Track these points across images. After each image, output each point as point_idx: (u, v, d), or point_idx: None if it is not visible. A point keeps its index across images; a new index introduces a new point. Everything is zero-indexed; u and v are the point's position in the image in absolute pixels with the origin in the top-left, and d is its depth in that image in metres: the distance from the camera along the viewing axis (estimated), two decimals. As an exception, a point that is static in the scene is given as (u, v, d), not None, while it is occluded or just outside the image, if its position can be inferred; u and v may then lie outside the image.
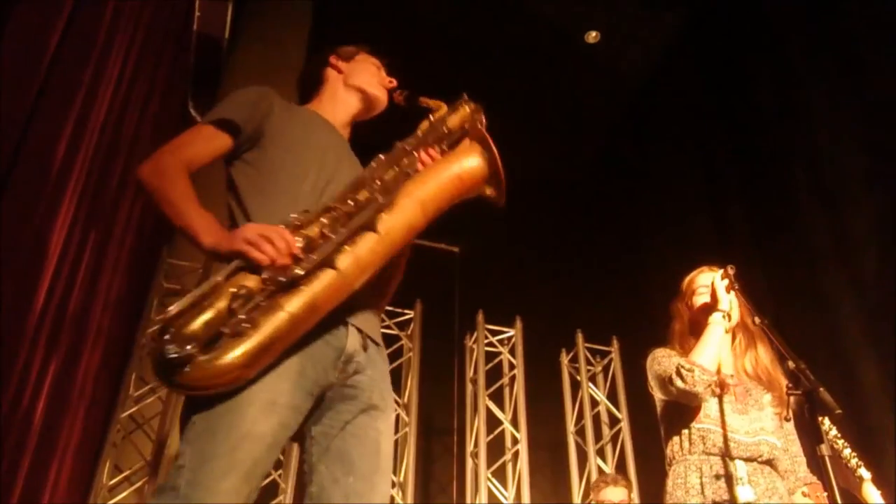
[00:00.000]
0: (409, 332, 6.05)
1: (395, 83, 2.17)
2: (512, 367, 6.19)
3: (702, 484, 2.43)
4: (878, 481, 2.92)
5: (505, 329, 6.34)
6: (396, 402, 5.67)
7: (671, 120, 6.69)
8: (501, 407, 6.05)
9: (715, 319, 2.56)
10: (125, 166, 3.54)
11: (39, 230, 2.58)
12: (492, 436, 5.77)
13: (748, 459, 2.47)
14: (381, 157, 1.81)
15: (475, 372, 6.05)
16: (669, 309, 2.85)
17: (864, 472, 2.90)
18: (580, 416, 6.12)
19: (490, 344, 6.25)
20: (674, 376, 2.49)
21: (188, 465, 1.49)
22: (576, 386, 6.28)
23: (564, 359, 6.40)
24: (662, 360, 2.63)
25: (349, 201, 1.68)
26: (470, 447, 5.74)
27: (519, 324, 6.25)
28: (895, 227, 4.04)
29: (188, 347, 1.45)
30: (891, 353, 3.87)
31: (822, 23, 4.91)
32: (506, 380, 6.21)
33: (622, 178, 7.49)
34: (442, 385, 6.09)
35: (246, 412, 1.52)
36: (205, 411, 1.54)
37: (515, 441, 5.80)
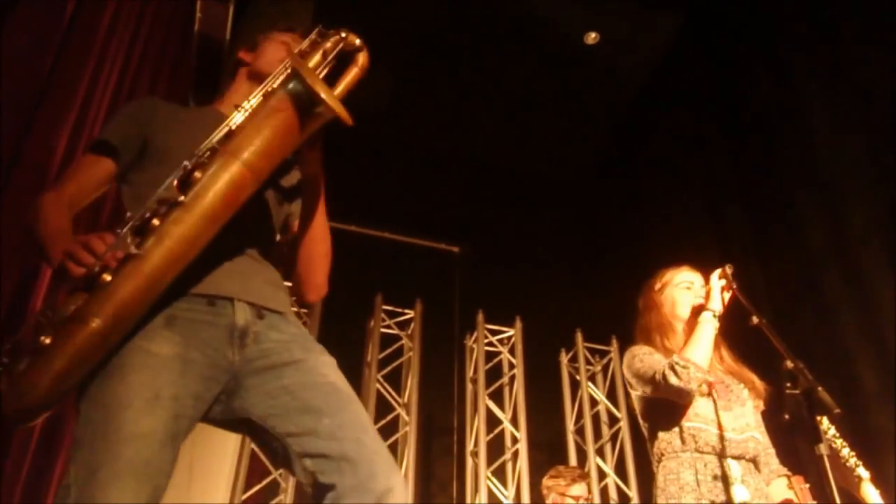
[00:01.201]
0: (409, 331, 6.07)
1: (287, 38, 2.01)
2: (512, 366, 6.21)
3: (697, 481, 2.44)
4: (876, 480, 2.93)
5: (505, 329, 6.35)
6: (396, 402, 5.70)
7: (670, 121, 6.69)
8: (501, 406, 6.06)
9: (706, 318, 2.57)
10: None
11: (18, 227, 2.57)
12: (492, 435, 5.78)
13: (738, 457, 2.49)
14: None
15: (475, 371, 6.07)
16: (639, 302, 2.87)
17: (863, 472, 2.91)
18: (580, 416, 6.13)
19: (490, 343, 6.27)
20: (667, 371, 2.49)
21: (74, 483, 1.41)
22: (575, 385, 6.30)
23: (564, 358, 6.42)
24: (645, 358, 2.64)
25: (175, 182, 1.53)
26: (470, 446, 5.75)
27: (519, 323, 6.27)
28: (893, 226, 4.05)
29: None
30: (889, 352, 3.88)
31: (821, 24, 4.92)
32: (505, 379, 6.23)
33: (621, 179, 7.50)
34: (442, 384, 6.11)
35: (123, 415, 1.44)
36: (84, 427, 1.47)
37: (515, 440, 5.81)
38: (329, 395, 1.60)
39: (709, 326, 2.57)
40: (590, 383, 6.35)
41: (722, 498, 2.39)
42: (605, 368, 6.51)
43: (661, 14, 6.36)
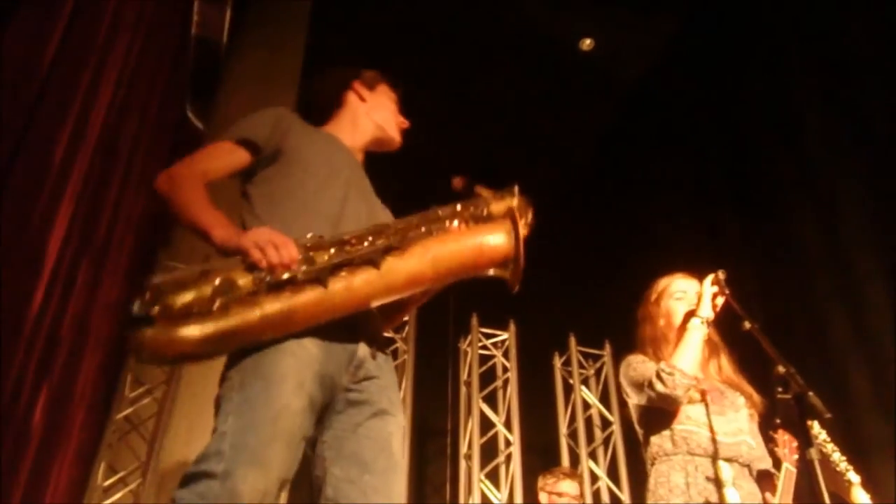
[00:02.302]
0: (403, 334, 6.07)
1: (407, 125, 2.25)
2: (505, 369, 6.22)
3: (687, 484, 2.46)
4: (867, 485, 2.94)
5: (499, 332, 6.36)
6: (391, 405, 5.70)
7: (664, 126, 6.72)
8: (495, 409, 6.07)
9: (694, 325, 2.59)
10: (124, 170, 3.56)
11: (37, 232, 2.59)
12: (485, 438, 5.79)
13: (729, 460, 2.50)
14: (414, 216, 1.84)
15: (469, 374, 6.07)
16: (637, 313, 2.88)
17: (853, 476, 2.92)
18: (572, 419, 6.14)
19: (484, 347, 6.28)
20: (654, 379, 2.51)
21: (231, 431, 1.52)
22: (568, 389, 6.31)
23: (557, 362, 6.43)
24: (638, 366, 2.66)
25: (365, 241, 1.70)
26: (463, 449, 5.76)
27: (512, 327, 6.28)
28: (886, 232, 4.07)
29: (152, 310, 1.50)
30: (881, 356, 3.91)
31: (815, 29, 4.95)
32: (499, 382, 6.23)
33: (615, 184, 7.52)
34: (436, 387, 6.11)
35: (282, 388, 1.57)
36: (237, 390, 1.58)
37: (508, 443, 5.82)
38: (381, 454, 1.72)
39: (697, 333, 2.58)
40: (583, 387, 6.36)
41: (713, 499, 2.41)
42: (598, 372, 6.52)
43: (655, 20, 6.39)
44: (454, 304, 6.35)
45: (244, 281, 1.58)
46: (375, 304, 1.72)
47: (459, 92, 6.86)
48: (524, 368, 6.12)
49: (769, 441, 2.67)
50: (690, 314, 2.65)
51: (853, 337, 4.20)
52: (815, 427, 2.76)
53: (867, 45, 4.44)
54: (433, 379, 6.08)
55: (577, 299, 6.97)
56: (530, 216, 2.06)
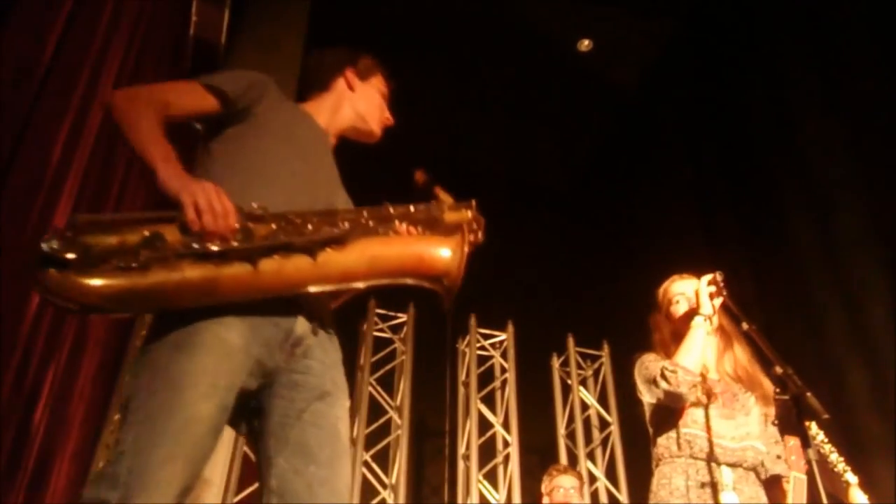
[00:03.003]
0: (401, 335, 6.07)
1: (391, 122, 2.21)
2: (504, 370, 6.22)
3: (687, 487, 2.46)
4: (864, 486, 2.95)
5: (497, 333, 6.37)
6: (389, 405, 5.71)
7: (662, 128, 6.72)
8: (493, 410, 6.07)
9: (697, 323, 2.59)
10: (123, 172, 3.55)
11: (36, 231, 2.58)
12: (483, 438, 5.79)
13: (733, 465, 2.50)
14: (365, 209, 1.81)
15: (467, 375, 6.07)
16: (649, 322, 2.89)
17: (851, 477, 2.93)
18: (570, 420, 6.15)
19: (482, 347, 6.28)
20: (658, 378, 2.53)
21: (129, 451, 1.45)
22: (566, 390, 6.31)
23: (555, 363, 6.43)
24: (650, 365, 2.67)
25: (310, 224, 1.64)
26: (461, 450, 5.75)
27: (511, 328, 6.28)
28: (882, 233, 4.07)
29: (68, 254, 1.42)
30: (878, 358, 3.91)
31: (813, 32, 4.95)
32: (497, 383, 6.24)
33: (614, 185, 7.52)
34: (434, 388, 6.10)
35: (186, 395, 1.49)
36: (144, 396, 1.51)
37: (506, 444, 5.82)
38: (329, 441, 1.67)
39: (700, 331, 2.59)
40: (581, 388, 6.36)
41: (711, 503, 2.41)
42: (597, 373, 6.52)
43: (654, 22, 6.40)
44: (453, 304, 6.35)
45: (174, 238, 1.50)
46: (303, 291, 1.64)
47: (457, 93, 6.86)
48: (522, 369, 6.11)
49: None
50: (690, 313, 2.65)
51: (851, 337, 4.20)
52: (813, 428, 2.77)
53: (866, 46, 4.44)
54: (431, 379, 6.07)
55: (575, 300, 6.97)
56: (481, 235, 2.00)
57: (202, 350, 1.54)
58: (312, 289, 1.65)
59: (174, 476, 1.43)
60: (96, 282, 1.42)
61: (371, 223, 1.76)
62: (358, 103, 2.13)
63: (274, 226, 1.60)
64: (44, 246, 1.41)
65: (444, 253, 1.72)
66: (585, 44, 6.53)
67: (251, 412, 1.69)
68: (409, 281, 1.73)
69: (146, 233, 1.48)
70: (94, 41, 3.03)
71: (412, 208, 1.89)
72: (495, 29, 6.40)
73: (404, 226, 1.83)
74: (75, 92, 2.85)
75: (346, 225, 1.69)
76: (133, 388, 1.55)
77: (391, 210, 1.84)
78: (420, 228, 1.86)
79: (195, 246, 1.49)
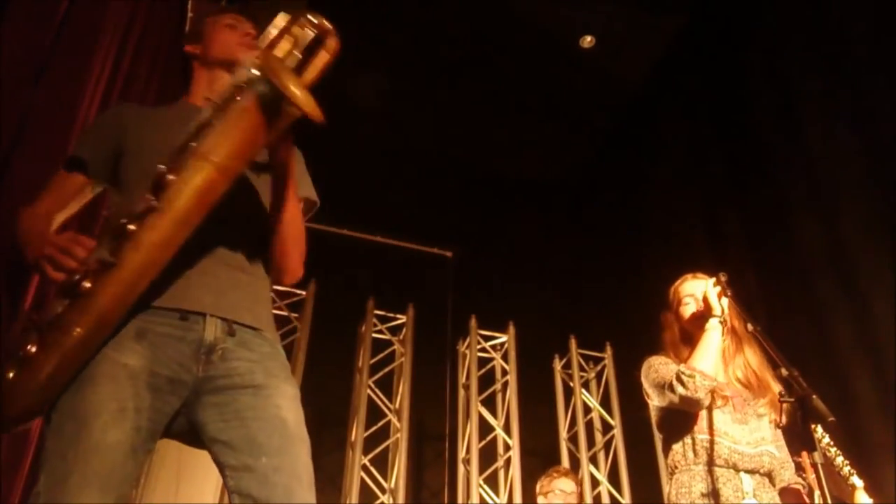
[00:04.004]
0: (401, 336, 6.04)
1: (253, 32, 1.97)
2: (504, 372, 6.19)
3: (707, 494, 2.43)
4: (870, 489, 2.91)
5: (498, 334, 6.33)
6: (388, 408, 5.67)
7: (666, 125, 6.69)
8: (494, 413, 6.04)
9: (712, 325, 2.55)
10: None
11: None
12: (484, 442, 5.76)
13: (751, 471, 2.47)
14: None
15: (468, 377, 6.04)
16: (659, 320, 2.85)
17: (857, 480, 2.90)
18: (573, 423, 6.11)
19: (483, 349, 6.25)
20: (674, 382, 2.48)
21: (44, 489, 1.46)
22: (569, 392, 6.28)
23: (557, 365, 6.40)
24: (660, 368, 2.62)
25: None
26: (462, 453, 5.73)
27: (512, 329, 6.24)
28: (888, 235, 4.04)
29: None
30: (884, 360, 3.87)
31: (820, 30, 4.92)
32: (498, 385, 6.21)
33: (616, 184, 7.49)
34: (434, 390, 6.08)
35: (93, 425, 1.48)
36: (53, 436, 1.51)
37: (507, 447, 5.79)
38: (275, 431, 1.60)
39: (714, 333, 2.55)
40: (583, 390, 6.33)
41: None
42: (599, 375, 6.49)
43: (658, 18, 6.36)
44: (452, 305, 6.32)
45: (49, 303, 1.49)
46: (180, 239, 1.54)
47: (458, 89, 6.83)
48: (524, 371, 6.08)
49: (797, 468, 2.63)
50: (699, 315, 2.61)
51: (857, 339, 4.17)
52: (819, 431, 2.73)
53: (872, 44, 4.41)
54: (431, 382, 6.06)
55: (577, 301, 6.94)
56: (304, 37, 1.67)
57: (101, 380, 1.52)
58: (187, 229, 1.54)
59: (91, 502, 1.43)
60: (30, 382, 1.45)
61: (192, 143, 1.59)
62: (207, 52, 1.97)
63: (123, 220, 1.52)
64: None
65: (255, 92, 1.53)
66: (588, 40, 6.49)
67: (189, 427, 1.65)
68: (267, 135, 1.58)
69: (24, 323, 1.51)
70: (90, 40, 3.00)
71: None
72: (497, 26, 6.37)
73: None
74: (73, 92, 2.83)
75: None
76: (47, 431, 1.55)
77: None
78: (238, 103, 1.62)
79: (63, 297, 1.47)
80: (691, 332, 2.65)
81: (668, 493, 2.59)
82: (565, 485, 4.31)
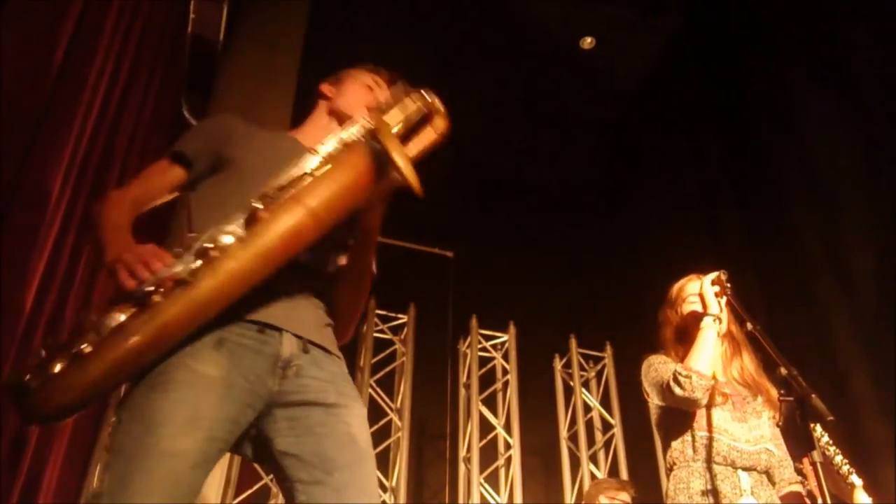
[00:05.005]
0: (402, 336, 6.05)
1: (378, 99, 2.00)
2: (505, 372, 6.19)
3: (704, 491, 2.43)
4: (869, 488, 2.92)
5: (498, 334, 6.34)
6: (389, 407, 5.68)
7: (666, 126, 6.69)
8: (494, 412, 6.05)
9: (706, 324, 2.55)
10: (119, 169, 3.53)
11: (31, 234, 2.56)
12: (484, 441, 5.77)
13: (749, 469, 2.48)
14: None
15: (468, 377, 6.05)
16: (658, 316, 2.85)
17: (856, 479, 2.90)
18: (573, 422, 6.11)
19: (483, 349, 6.26)
20: (671, 383, 2.48)
21: (106, 492, 1.45)
22: (569, 391, 6.28)
23: (558, 364, 6.40)
24: (659, 367, 2.63)
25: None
26: (462, 452, 5.73)
27: (512, 329, 6.25)
28: (887, 233, 4.05)
29: (26, 377, 1.43)
30: (883, 359, 3.88)
31: (818, 30, 4.92)
32: (499, 385, 6.21)
33: (617, 184, 7.50)
34: (435, 389, 6.08)
35: (161, 431, 1.47)
36: (121, 437, 1.51)
37: (508, 446, 5.80)
38: (346, 448, 1.63)
39: (710, 332, 2.54)
40: (583, 389, 6.33)
41: None
42: (599, 374, 6.49)
43: (657, 19, 6.37)
44: (453, 305, 6.33)
45: (110, 307, 1.49)
46: (257, 277, 1.55)
47: (459, 91, 6.81)
48: (524, 370, 6.09)
49: (798, 474, 2.64)
50: (699, 314, 2.61)
51: (856, 338, 4.18)
52: (818, 430, 2.74)
53: (870, 45, 4.42)
54: (432, 381, 6.06)
55: (577, 301, 6.95)
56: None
57: (175, 386, 1.52)
58: (267, 269, 1.56)
59: None
60: (77, 379, 1.43)
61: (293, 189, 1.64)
62: (337, 103, 2.06)
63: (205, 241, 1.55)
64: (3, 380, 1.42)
65: (365, 153, 1.63)
66: (589, 42, 6.50)
67: (254, 440, 1.66)
68: (364, 201, 1.67)
69: (80, 322, 1.50)
70: (98, 42, 3.01)
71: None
72: (497, 26, 6.37)
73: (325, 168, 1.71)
74: (81, 94, 2.84)
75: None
76: (112, 432, 1.54)
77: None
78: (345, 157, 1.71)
79: (129, 303, 1.47)
80: (691, 331, 2.66)
81: (666, 490, 2.60)
82: (627, 497, 4.26)
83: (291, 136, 2.01)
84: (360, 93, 2.07)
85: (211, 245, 1.51)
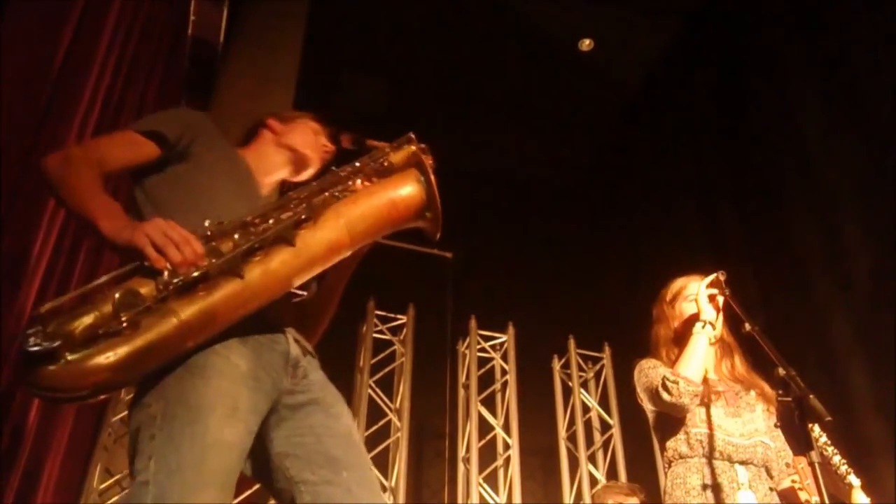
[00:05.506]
0: (401, 337, 6.05)
1: (332, 149, 2.15)
2: (504, 372, 6.19)
3: (704, 486, 2.44)
4: (867, 488, 2.92)
5: (497, 335, 6.34)
6: (388, 407, 5.69)
7: (665, 127, 6.70)
8: (493, 412, 6.05)
9: (696, 329, 2.55)
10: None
11: (29, 229, 2.57)
12: (483, 441, 5.76)
13: (745, 462, 2.48)
14: (315, 182, 1.77)
15: (467, 377, 6.05)
16: (653, 312, 2.85)
17: (854, 479, 2.90)
18: (572, 422, 6.11)
19: (482, 349, 6.25)
20: (659, 389, 2.49)
21: (154, 481, 1.39)
22: (567, 392, 6.28)
23: (556, 365, 6.40)
24: (649, 372, 2.63)
25: (270, 219, 1.59)
26: (462, 452, 5.73)
27: (511, 330, 6.25)
28: (887, 234, 4.05)
29: (55, 343, 1.31)
30: (881, 359, 3.88)
31: (817, 32, 4.93)
32: (498, 385, 6.21)
33: (616, 185, 7.50)
34: (434, 390, 6.08)
35: (209, 420, 1.44)
36: (161, 423, 1.45)
37: (507, 446, 5.79)
38: (349, 447, 1.67)
39: (701, 337, 2.54)
40: (582, 390, 6.33)
41: (728, 502, 2.39)
42: (598, 375, 6.49)
43: (656, 21, 6.38)
44: (452, 306, 6.33)
45: (147, 289, 1.41)
46: (297, 282, 1.62)
47: (458, 91, 6.84)
48: (523, 371, 6.09)
49: (786, 467, 2.64)
50: (694, 318, 2.62)
51: (854, 339, 4.18)
52: (816, 430, 2.74)
53: (870, 44, 4.42)
54: (431, 382, 6.06)
55: (576, 301, 6.95)
56: (431, 160, 1.91)
57: (215, 374, 1.51)
58: (304, 277, 1.63)
59: (210, 501, 1.39)
60: (99, 359, 1.33)
61: (328, 193, 1.72)
62: (285, 138, 2.12)
63: (236, 235, 1.55)
64: (29, 346, 1.32)
65: (410, 188, 1.74)
66: (587, 43, 6.51)
67: (261, 438, 1.64)
68: (392, 229, 1.76)
69: (116, 295, 1.39)
70: (98, 43, 3.02)
71: (358, 163, 1.86)
72: (496, 28, 6.38)
73: (359, 182, 1.80)
74: (80, 96, 2.85)
75: (304, 205, 1.65)
76: (144, 418, 1.48)
77: (340, 173, 1.81)
78: (376, 179, 1.84)
79: (175, 281, 1.42)
80: (687, 333, 2.66)
81: (663, 487, 2.61)
82: (636, 502, 4.26)
83: (243, 158, 2.04)
84: (310, 136, 2.15)
85: (258, 245, 1.53)
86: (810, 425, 2.04)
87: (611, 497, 4.27)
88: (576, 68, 6.72)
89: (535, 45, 6.51)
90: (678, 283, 2.83)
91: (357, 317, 6.01)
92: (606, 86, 6.93)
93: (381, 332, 6.04)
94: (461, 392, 6.06)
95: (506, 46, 6.53)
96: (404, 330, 6.05)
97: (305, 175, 2.13)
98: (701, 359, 2.52)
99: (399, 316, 6.13)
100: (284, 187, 2.12)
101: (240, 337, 1.58)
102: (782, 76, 5.20)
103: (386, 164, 1.88)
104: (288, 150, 2.11)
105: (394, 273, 6.38)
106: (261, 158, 2.07)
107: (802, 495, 2.57)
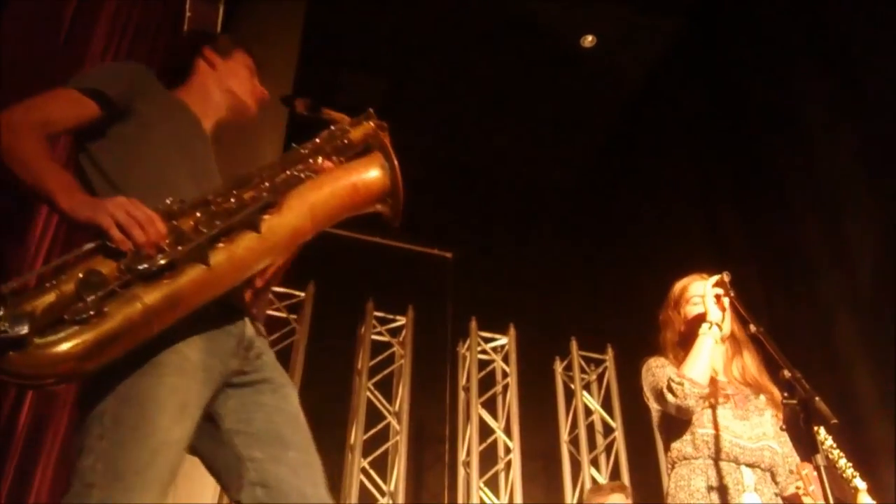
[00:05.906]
0: (400, 338, 6.02)
1: (266, 94, 2.08)
2: (505, 374, 6.17)
3: (708, 488, 2.41)
4: (873, 492, 2.89)
5: (498, 336, 6.31)
6: (387, 410, 5.67)
7: (667, 125, 6.68)
8: (494, 415, 6.02)
9: (703, 330, 2.53)
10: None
11: (24, 232, 2.54)
12: (484, 444, 5.74)
13: (751, 465, 2.47)
14: (276, 161, 1.73)
15: (468, 379, 6.02)
16: (659, 317, 2.82)
17: (860, 483, 2.87)
18: (574, 425, 6.09)
19: (483, 351, 6.23)
20: (664, 390, 2.48)
21: (99, 484, 1.38)
22: (570, 394, 6.25)
23: (558, 367, 6.37)
24: (657, 372, 2.61)
25: (231, 198, 1.56)
26: (462, 456, 5.70)
27: (512, 331, 6.22)
28: (889, 233, 4.03)
29: (20, 329, 1.27)
30: (887, 361, 3.85)
31: (819, 31, 4.91)
32: (499, 388, 6.19)
33: (617, 185, 7.47)
34: (434, 393, 6.06)
35: (158, 419, 1.44)
36: (110, 422, 1.43)
37: (508, 450, 5.77)
38: (297, 429, 1.67)
39: (707, 339, 2.52)
40: (584, 392, 6.31)
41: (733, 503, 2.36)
42: (601, 377, 6.46)
43: (658, 18, 6.35)
44: (452, 307, 6.30)
45: (109, 269, 1.39)
46: (259, 268, 1.63)
47: (459, 90, 6.82)
48: (524, 373, 6.06)
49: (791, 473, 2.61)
50: (699, 319, 2.59)
51: (860, 341, 4.15)
52: (822, 433, 2.71)
53: (871, 43, 4.40)
54: (431, 384, 6.03)
55: (578, 303, 6.92)
56: (387, 137, 1.87)
57: (168, 370, 1.49)
58: (265, 263, 1.64)
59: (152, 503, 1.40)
60: (64, 346, 1.31)
61: (289, 172, 1.68)
62: (226, 80, 2.01)
63: (198, 214, 1.52)
64: None
65: (374, 173, 1.73)
66: (589, 40, 6.48)
67: (205, 417, 1.62)
68: (352, 214, 1.73)
69: (79, 275, 1.36)
70: (91, 37, 3.00)
71: (318, 140, 1.81)
72: (498, 25, 6.36)
73: (320, 160, 1.76)
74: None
75: (267, 185, 1.62)
76: (94, 415, 1.45)
77: (301, 150, 1.76)
78: (337, 159, 1.80)
79: (140, 267, 1.39)
80: (693, 335, 2.63)
81: (667, 488, 2.59)
82: (620, 500, 4.23)
83: (184, 103, 1.93)
84: (246, 76, 2.06)
85: (225, 231, 1.51)
86: (816, 428, 2.01)
87: (594, 499, 4.26)
88: (577, 67, 6.70)
89: (537, 42, 6.48)
90: (681, 286, 2.80)
91: (356, 318, 5.99)
92: (609, 83, 6.91)
93: (379, 333, 6.02)
94: (461, 395, 6.03)
95: (507, 43, 6.50)
96: (404, 331, 6.03)
97: (241, 120, 2.07)
98: (707, 360, 2.50)
99: (398, 317, 6.11)
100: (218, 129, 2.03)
101: (196, 321, 1.54)
102: (783, 73, 5.18)
103: (346, 141, 1.84)
104: (229, 94, 2.01)
105: (393, 273, 6.36)
106: (203, 100, 1.96)
107: (806, 500, 2.53)
